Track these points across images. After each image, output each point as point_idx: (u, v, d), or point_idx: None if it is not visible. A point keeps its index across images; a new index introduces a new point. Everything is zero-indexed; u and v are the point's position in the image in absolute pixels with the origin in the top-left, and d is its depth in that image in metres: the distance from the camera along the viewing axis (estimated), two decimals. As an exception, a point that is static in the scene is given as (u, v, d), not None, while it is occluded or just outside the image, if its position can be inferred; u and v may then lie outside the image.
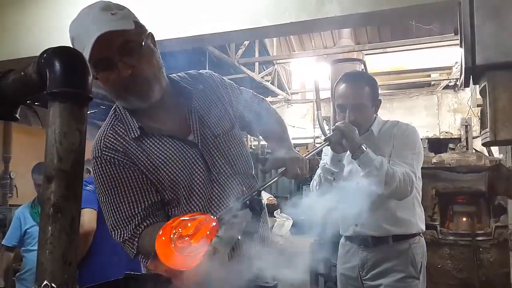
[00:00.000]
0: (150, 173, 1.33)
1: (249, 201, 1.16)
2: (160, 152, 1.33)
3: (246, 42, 7.04)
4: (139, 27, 1.29)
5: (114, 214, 1.31)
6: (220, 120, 1.46)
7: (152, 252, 1.07)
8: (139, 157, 1.33)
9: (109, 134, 1.35)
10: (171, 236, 1.00)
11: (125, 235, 1.30)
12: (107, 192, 1.32)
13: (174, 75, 1.48)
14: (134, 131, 1.33)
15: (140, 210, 1.30)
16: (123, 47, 1.23)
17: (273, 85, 8.20)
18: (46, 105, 0.85)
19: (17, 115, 1.10)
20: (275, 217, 9.26)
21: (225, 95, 1.53)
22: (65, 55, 0.88)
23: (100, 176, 1.32)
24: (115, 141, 1.34)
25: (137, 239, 1.29)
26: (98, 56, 1.19)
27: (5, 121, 5.42)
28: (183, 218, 1.04)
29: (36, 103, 6.51)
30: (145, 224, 1.29)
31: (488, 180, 1.33)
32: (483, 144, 1.28)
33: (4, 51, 3.64)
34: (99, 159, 1.33)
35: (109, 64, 1.23)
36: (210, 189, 1.36)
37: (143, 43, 1.28)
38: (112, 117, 1.40)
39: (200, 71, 1.57)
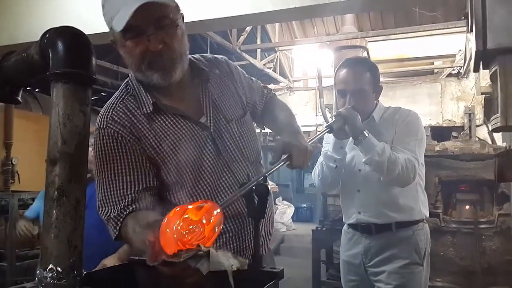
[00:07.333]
0: (156, 152, 1.29)
1: (255, 186, 1.15)
2: (171, 131, 1.31)
3: (248, 29, 6.98)
4: (177, 5, 1.28)
5: (106, 190, 1.27)
6: (233, 106, 1.45)
7: (133, 239, 1.08)
8: (146, 134, 1.30)
9: (118, 108, 1.32)
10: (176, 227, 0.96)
11: (111, 213, 1.26)
12: (103, 167, 1.28)
13: (189, 56, 1.45)
14: (147, 107, 1.30)
15: (132, 191, 1.26)
16: (160, 21, 1.21)
17: (275, 72, 8.15)
18: (47, 90, 0.83)
19: (19, 98, 1.09)
20: (277, 204, 9.31)
21: (239, 83, 1.53)
22: (68, 35, 0.86)
23: (100, 149, 1.28)
24: (123, 115, 1.30)
25: (122, 219, 1.24)
26: (132, 23, 1.16)
27: (6, 108, 5.40)
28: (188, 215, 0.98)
29: (36, 90, 6.49)
30: (133, 206, 1.25)
31: (497, 166, 1.32)
32: (492, 130, 1.27)
33: (2, 36, 3.60)
34: (102, 130, 1.29)
35: (140, 33, 1.21)
36: (219, 174, 1.34)
37: (178, 23, 1.27)
38: (123, 91, 1.37)
39: (215, 55, 1.56)
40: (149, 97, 1.31)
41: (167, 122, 1.32)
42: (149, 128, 1.30)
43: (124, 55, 1.28)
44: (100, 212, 1.29)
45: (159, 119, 1.31)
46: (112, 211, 1.25)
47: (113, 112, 1.31)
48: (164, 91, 1.33)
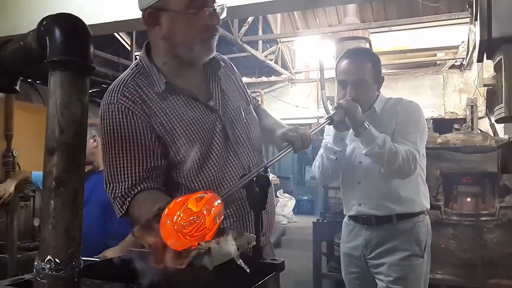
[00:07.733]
0: (166, 131, 1.29)
1: (256, 177, 1.14)
2: (182, 111, 1.31)
3: (250, 20, 6.92)
4: None
5: (113, 167, 1.26)
6: (238, 96, 1.50)
7: (142, 219, 1.04)
8: (157, 113, 1.29)
9: (130, 84, 1.31)
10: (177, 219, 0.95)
11: (117, 191, 1.25)
12: (111, 143, 1.27)
13: None
14: (159, 86, 1.31)
15: (140, 170, 1.25)
16: None
17: (277, 64, 8.10)
18: (47, 81, 0.81)
19: (17, 87, 1.07)
20: (278, 197, 9.31)
21: (239, 80, 1.59)
22: (65, 22, 0.84)
23: (109, 125, 1.27)
24: (134, 92, 1.30)
25: (129, 199, 1.24)
26: None
27: (7, 99, 5.38)
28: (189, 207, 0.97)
29: (37, 81, 6.46)
30: (141, 186, 1.24)
31: (501, 157, 1.30)
32: (496, 121, 1.25)
33: (3, 27, 3.58)
34: (112, 105, 1.28)
35: (205, 5, 1.25)
36: (226, 157, 1.36)
37: None
38: (134, 69, 1.37)
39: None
40: (161, 76, 1.32)
41: (178, 102, 1.32)
42: (160, 106, 1.30)
43: (176, 25, 1.27)
44: (106, 188, 1.28)
45: (170, 98, 1.32)
46: (119, 189, 1.25)
47: (124, 88, 1.30)
48: (176, 72, 1.35)
